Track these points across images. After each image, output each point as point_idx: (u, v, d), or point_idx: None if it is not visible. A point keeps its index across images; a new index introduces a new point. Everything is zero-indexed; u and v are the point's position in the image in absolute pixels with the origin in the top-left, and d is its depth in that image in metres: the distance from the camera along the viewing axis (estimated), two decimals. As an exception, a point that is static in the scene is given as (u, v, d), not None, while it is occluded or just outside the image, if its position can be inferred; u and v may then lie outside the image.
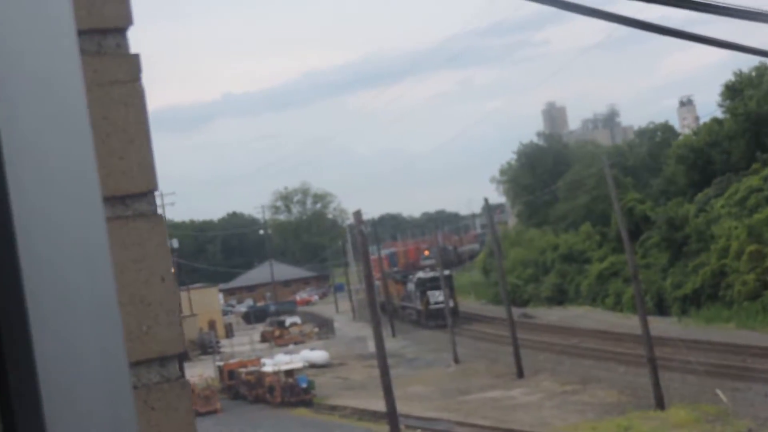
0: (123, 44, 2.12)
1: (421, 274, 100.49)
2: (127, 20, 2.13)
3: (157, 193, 2.28)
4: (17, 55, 1.42)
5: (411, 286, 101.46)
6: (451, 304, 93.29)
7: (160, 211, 2.27)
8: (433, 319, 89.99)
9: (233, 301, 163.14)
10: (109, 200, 2.06)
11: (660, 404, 47.34)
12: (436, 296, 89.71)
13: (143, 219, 2.14)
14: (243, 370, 71.90)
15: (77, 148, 1.51)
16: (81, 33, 1.69)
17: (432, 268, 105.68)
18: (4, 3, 1.40)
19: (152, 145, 2.22)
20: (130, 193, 2.12)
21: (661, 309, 75.31)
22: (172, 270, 2.34)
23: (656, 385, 47.80)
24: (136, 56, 2.15)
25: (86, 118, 1.55)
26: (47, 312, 1.42)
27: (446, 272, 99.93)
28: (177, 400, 2.23)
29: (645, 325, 49.23)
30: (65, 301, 1.45)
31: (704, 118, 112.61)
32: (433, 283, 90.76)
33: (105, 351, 1.50)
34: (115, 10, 2.09)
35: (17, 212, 1.39)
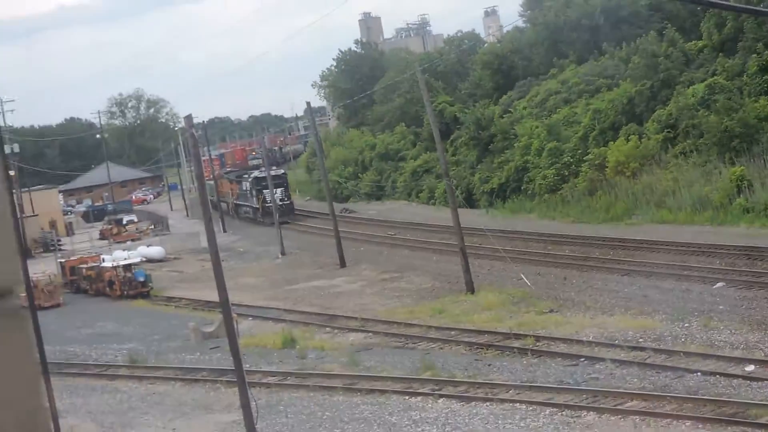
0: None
1: (257, 173, 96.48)
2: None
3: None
4: None
5: (246, 185, 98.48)
6: (288, 201, 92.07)
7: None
8: (270, 216, 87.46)
9: (73, 202, 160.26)
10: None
11: (470, 289, 47.79)
12: (273, 194, 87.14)
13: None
14: (83, 266, 70.59)
15: None
16: None
17: (258, 167, 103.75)
18: None
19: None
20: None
21: (471, 202, 76.00)
22: (9, 207, 2.19)
23: (467, 271, 48.20)
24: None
25: None
26: None
27: (281, 171, 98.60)
28: (17, 333, 2.07)
29: (456, 216, 49.49)
30: None
31: (507, 27, 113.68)
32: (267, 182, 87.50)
33: None
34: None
35: None
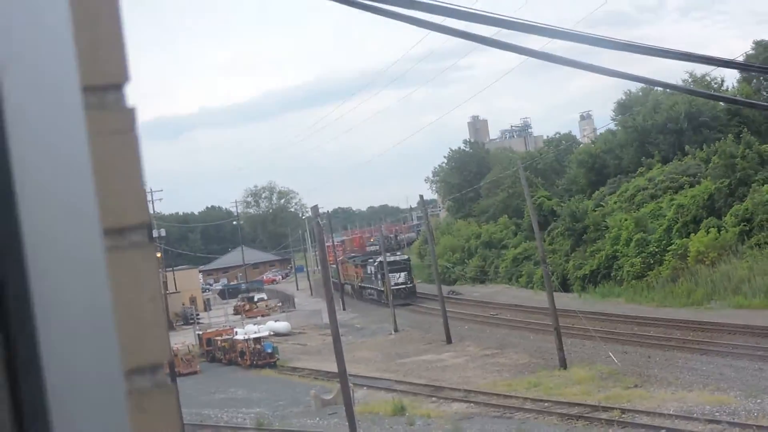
0: (121, 99, 1.98)
1: (381, 258, 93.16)
2: (125, 77, 1.99)
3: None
4: (32, 111, 1.50)
5: (371, 269, 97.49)
6: (410, 284, 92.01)
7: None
8: (395, 298, 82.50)
9: (211, 281, 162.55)
10: (110, 232, 1.88)
11: (563, 365, 47.75)
12: (396, 278, 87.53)
13: (137, 248, 1.97)
14: (219, 338, 71.61)
15: (80, 188, 1.56)
16: (86, 89, 1.71)
17: (377, 253, 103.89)
18: (21, 67, 1.50)
19: (145, 184, 2.07)
20: (126, 225, 1.96)
21: (565, 287, 75.77)
22: (161, 291, 2.23)
23: (560, 349, 48.21)
24: (133, 109, 2.02)
25: (89, 164, 1.59)
26: (55, 327, 1.49)
27: (405, 257, 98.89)
28: (166, 404, 2.04)
29: (551, 299, 49.63)
30: (70, 319, 1.51)
31: (600, 130, 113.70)
32: (392, 267, 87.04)
33: (103, 361, 1.55)
34: (115, 68, 1.95)
35: (29, 244, 1.45)
